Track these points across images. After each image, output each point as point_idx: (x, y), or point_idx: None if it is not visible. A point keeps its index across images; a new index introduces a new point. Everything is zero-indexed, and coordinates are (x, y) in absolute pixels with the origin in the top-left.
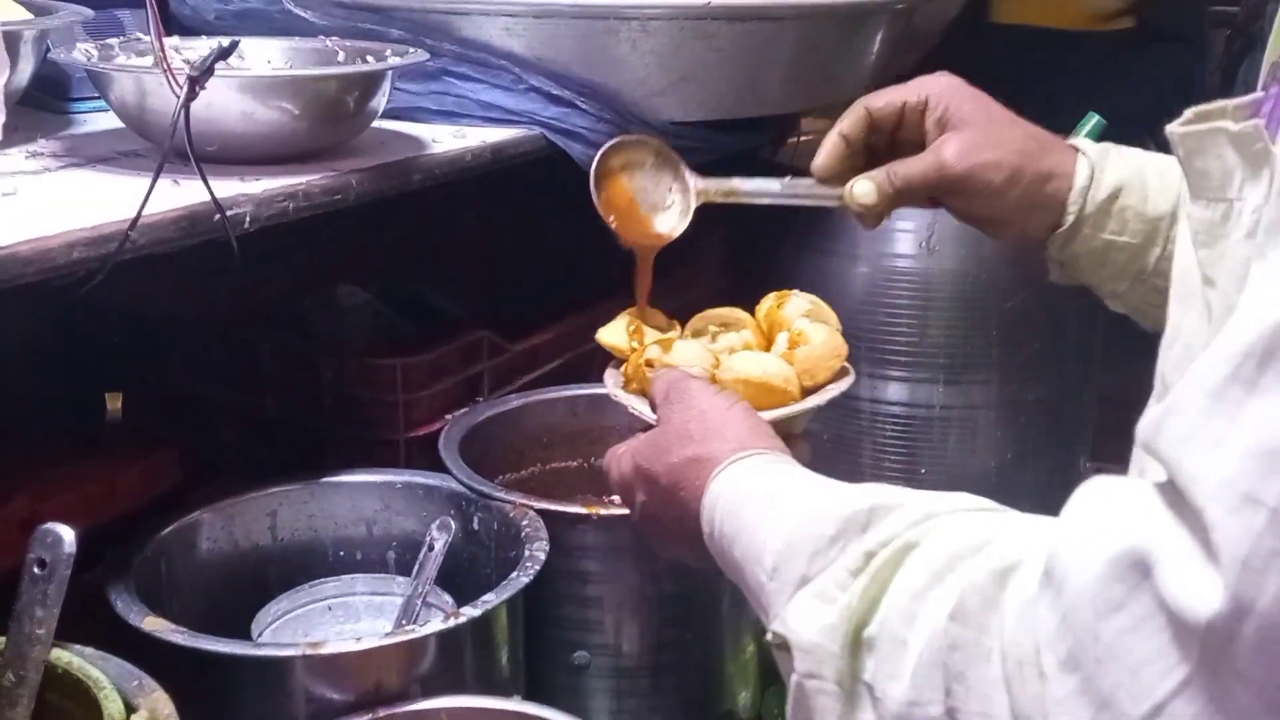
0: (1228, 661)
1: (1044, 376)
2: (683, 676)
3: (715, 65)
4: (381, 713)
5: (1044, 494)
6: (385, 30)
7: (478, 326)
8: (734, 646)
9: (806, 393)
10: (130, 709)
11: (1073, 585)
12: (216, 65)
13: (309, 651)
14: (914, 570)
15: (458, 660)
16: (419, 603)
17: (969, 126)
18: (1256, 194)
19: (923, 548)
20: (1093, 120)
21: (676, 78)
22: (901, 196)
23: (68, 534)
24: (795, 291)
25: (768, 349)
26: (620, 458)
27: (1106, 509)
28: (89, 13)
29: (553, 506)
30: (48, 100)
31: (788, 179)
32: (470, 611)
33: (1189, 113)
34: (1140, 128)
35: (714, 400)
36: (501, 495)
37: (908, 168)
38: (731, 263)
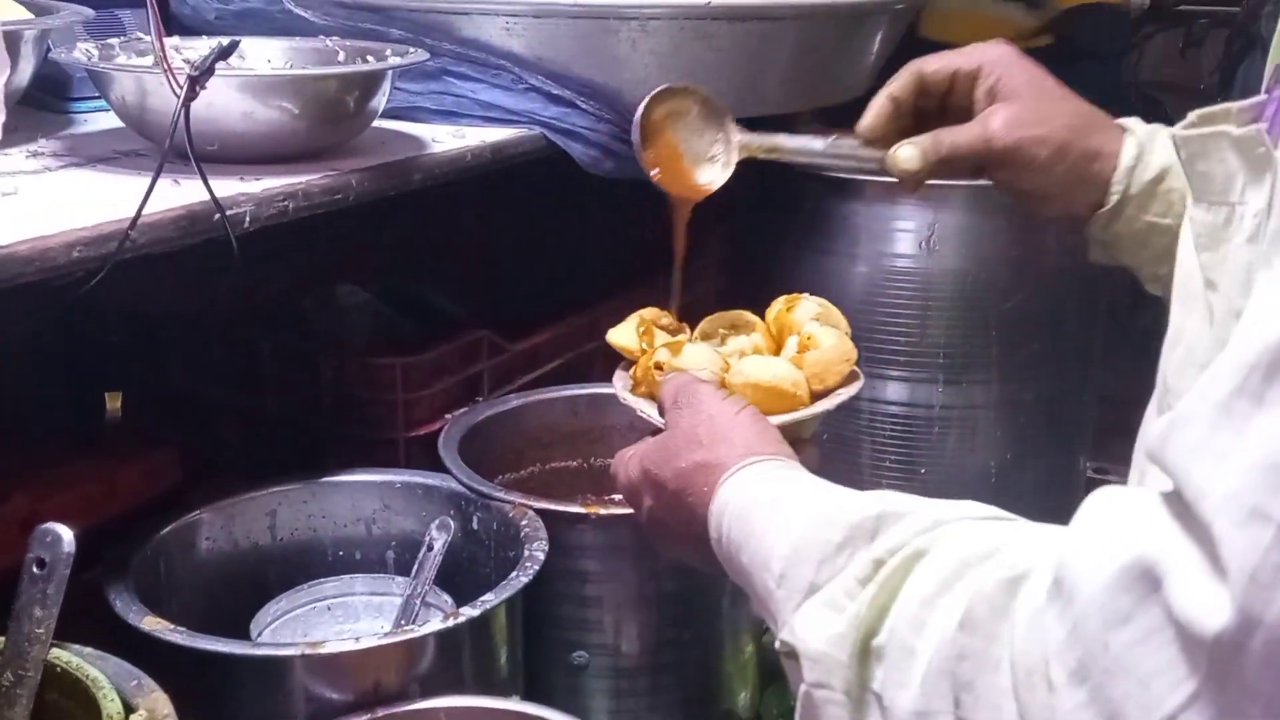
0: (1236, 675)
1: (1043, 376)
2: (681, 676)
3: (715, 65)
4: (380, 712)
5: (1043, 494)
6: (385, 30)
7: (478, 326)
8: (733, 646)
9: (816, 397)
10: (129, 708)
11: (1082, 596)
12: (217, 65)
13: (308, 651)
14: (923, 578)
15: (457, 660)
16: (418, 602)
17: (1019, 99)
18: (1258, 198)
19: (931, 556)
20: None
21: (676, 77)
22: (945, 164)
23: (67, 533)
24: (805, 295)
25: (777, 352)
26: (628, 462)
27: (1115, 519)
28: (89, 12)
29: (552, 506)
30: (48, 100)
31: (832, 138)
32: (469, 611)
33: (1193, 115)
34: None
35: (722, 405)
36: (501, 495)
37: (954, 136)
38: (731, 262)
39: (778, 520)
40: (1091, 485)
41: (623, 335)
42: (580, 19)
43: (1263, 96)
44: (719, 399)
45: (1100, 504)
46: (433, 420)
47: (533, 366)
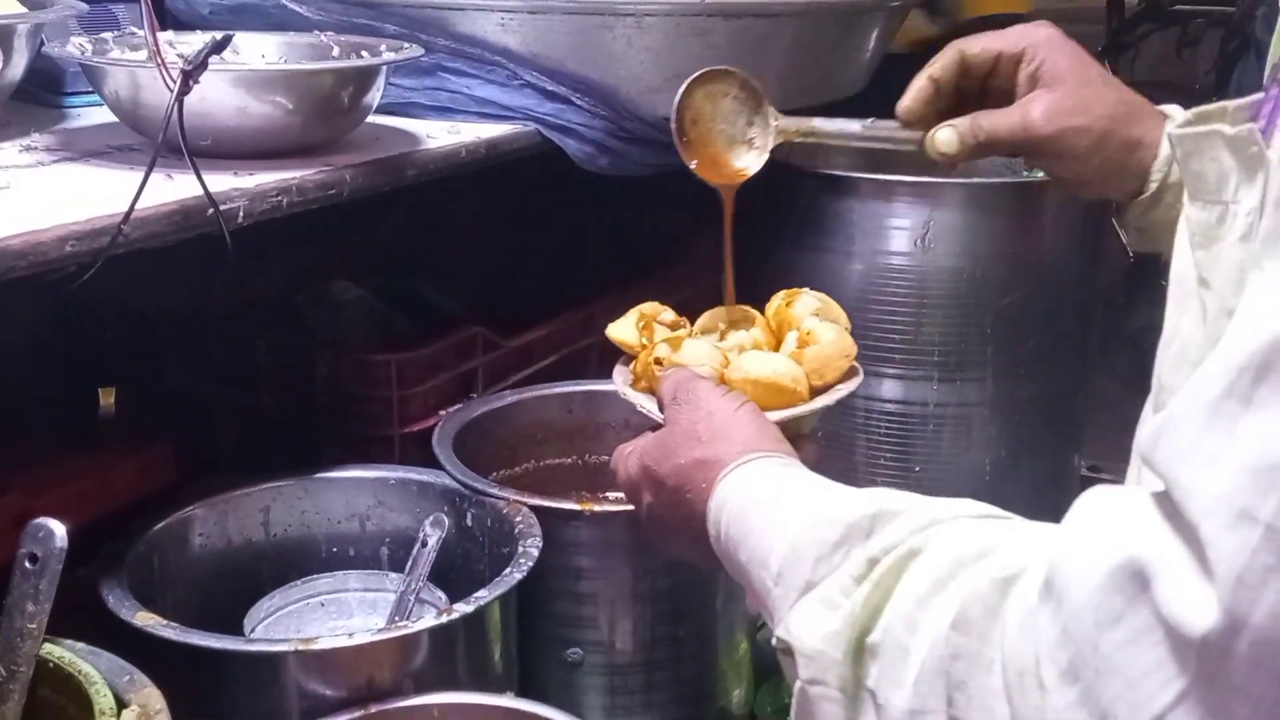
0: (1224, 675)
1: (1038, 374)
2: (676, 673)
3: (711, 62)
4: (374, 709)
5: (1038, 491)
6: (380, 25)
7: (472, 322)
8: (727, 643)
9: (815, 392)
10: (122, 704)
11: (1073, 596)
12: (210, 59)
13: (301, 647)
14: (917, 577)
15: (450, 656)
16: (412, 599)
17: (1061, 85)
18: (1251, 197)
19: (926, 555)
20: None
21: (672, 74)
22: (983, 149)
23: (59, 529)
24: (805, 290)
25: (777, 347)
26: (627, 458)
27: (1107, 520)
28: (83, 7)
29: (546, 503)
30: (41, 94)
31: (870, 120)
32: (463, 608)
33: (1189, 113)
34: None
35: (721, 402)
36: (495, 491)
37: (993, 121)
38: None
39: (775, 518)
40: (1086, 483)
41: (622, 330)
42: (576, 15)
43: (1259, 95)
44: (718, 395)
45: (1092, 504)
46: (427, 416)
47: (527, 363)
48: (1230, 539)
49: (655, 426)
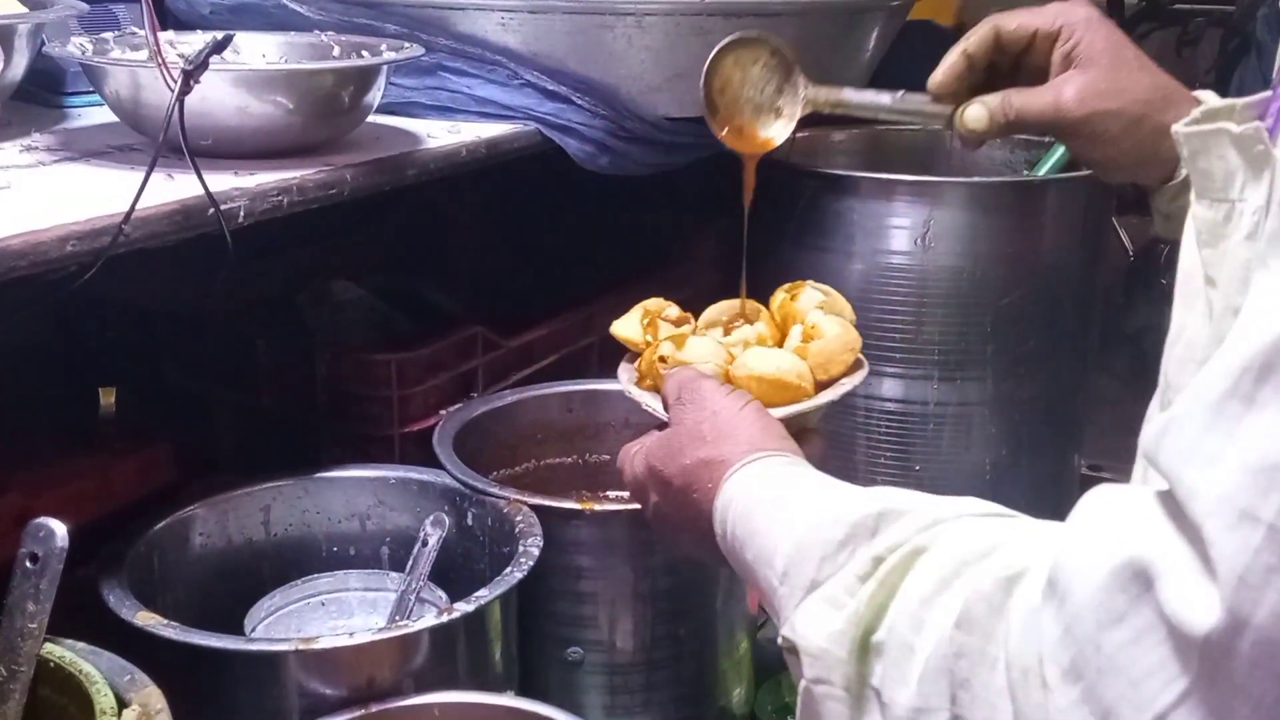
0: (1225, 675)
1: (1038, 374)
2: (676, 672)
3: None
4: (374, 708)
5: (1038, 491)
6: (380, 25)
7: (472, 322)
8: (727, 642)
9: (820, 387)
10: (122, 704)
11: (1076, 596)
12: (211, 59)
13: (302, 646)
14: (922, 576)
15: (451, 656)
16: (412, 598)
17: (1095, 67)
18: (1257, 195)
19: (930, 553)
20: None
21: (672, 73)
22: (1013, 127)
23: (60, 528)
24: (809, 283)
25: (781, 341)
26: (633, 457)
27: (1110, 519)
28: (84, 7)
29: (547, 502)
30: (42, 94)
31: (900, 93)
32: (464, 607)
33: (1196, 112)
34: None
35: (726, 401)
36: (495, 491)
37: (1025, 100)
38: (728, 258)
39: (781, 518)
40: (1086, 482)
41: (627, 327)
42: (576, 14)
43: (1266, 94)
44: (723, 394)
45: (1095, 503)
46: (427, 416)
47: (528, 362)
48: (1232, 539)
49: (660, 425)
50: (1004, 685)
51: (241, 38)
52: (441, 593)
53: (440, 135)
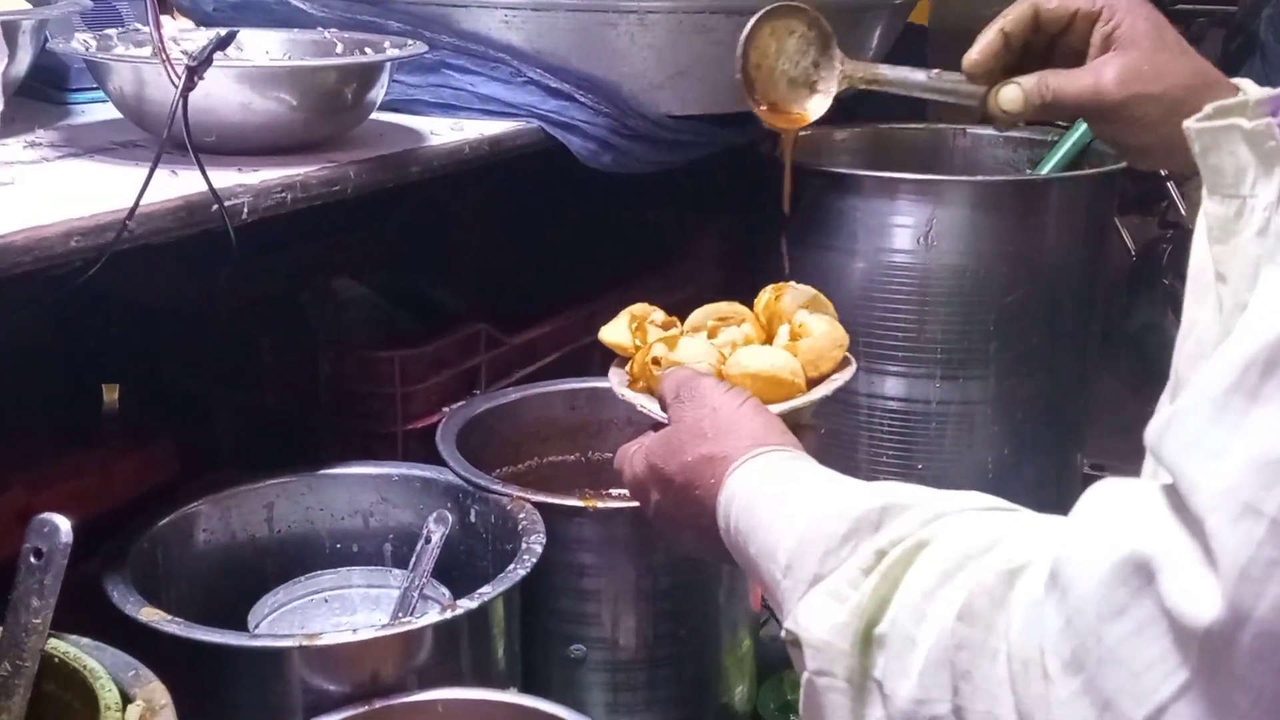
0: (1226, 668)
1: (1040, 372)
2: (678, 670)
3: (714, 59)
4: (378, 704)
5: (1040, 489)
6: (384, 22)
7: (475, 319)
8: (730, 640)
9: (811, 383)
10: (127, 699)
11: (1077, 588)
12: (215, 56)
13: (305, 643)
14: (924, 569)
15: (454, 652)
16: (415, 595)
17: (1135, 49)
18: (1268, 192)
19: (933, 547)
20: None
21: (675, 71)
22: (1048, 110)
23: (64, 524)
24: (792, 283)
25: (768, 342)
26: (632, 457)
27: (1113, 512)
28: (87, 3)
29: (549, 499)
30: (46, 91)
31: (935, 71)
32: (467, 604)
33: (1208, 108)
34: None
35: (725, 397)
36: (498, 488)
37: (1062, 82)
38: (730, 256)
39: (784, 512)
40: (1088, 481)
41: (615, 333)
42: (579, 12)
43: (1279, 90)
44: (721, 391)
45: (1098, 497)
46: (430, 413)
47: (530, 360)
48: (1235, 532)
49: (656, 425)
50: (1005, 677)
51: (245, 35)
52: (444, 590)
53: (443, 132)
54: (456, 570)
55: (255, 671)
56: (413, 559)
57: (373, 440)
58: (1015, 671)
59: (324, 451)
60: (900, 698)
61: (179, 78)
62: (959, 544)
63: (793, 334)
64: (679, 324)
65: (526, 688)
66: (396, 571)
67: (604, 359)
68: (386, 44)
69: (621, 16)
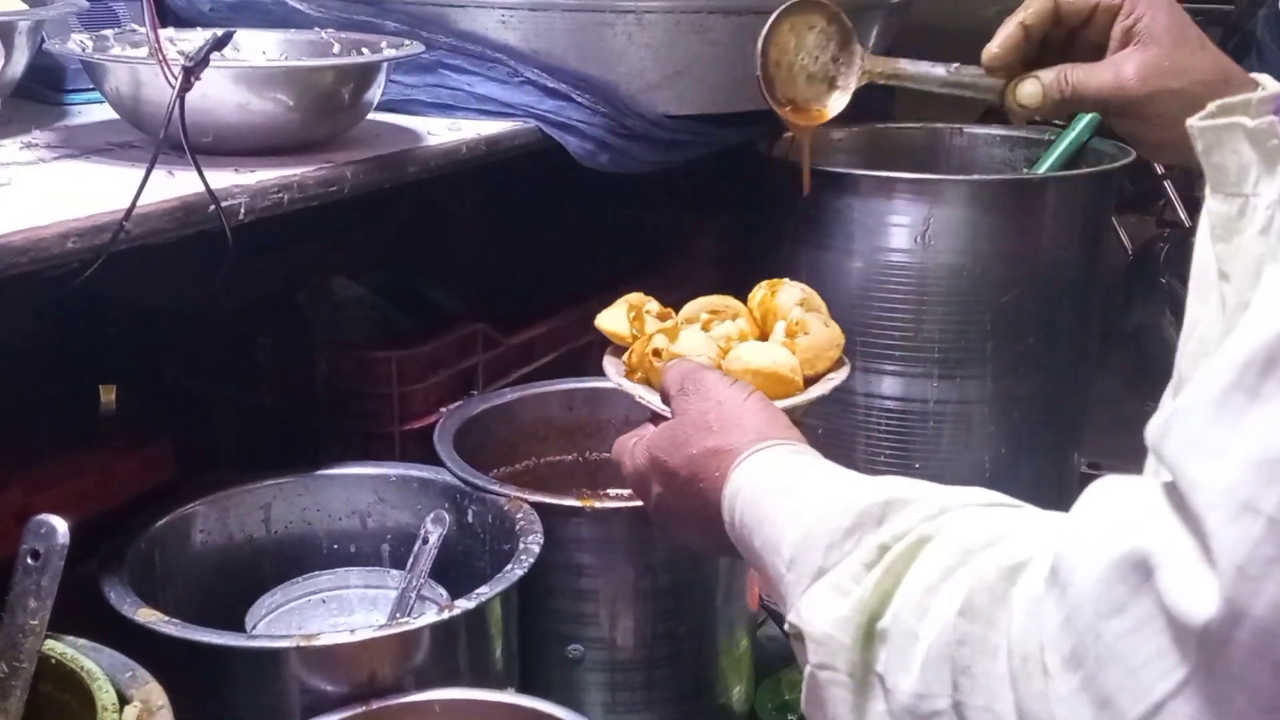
0: (1223, 665)
1: (1038, 371)
2: (676, 670)
3: (711, 59)
4: (375, 704)
5: (1037, 488)
6: (381, 23)
7: (473, 319)
8: (728, 640)
9: (807, 382)
10: (124, 700)
11: (1077, 585)
12: (211, 56)
13: (303, 643)
14: (927, 565)
15: (452, 653)
16: (413, 595)
17: (1157, 45)
18: (1271, 190)
19: (936, 542)
20: (1088, 116)
21: (672, 71)
22: (1067, 104)
23: (61, 525)
24: (786, 280)
25: (761, 337)
26: (633, 449)
27: (1113, 509)
28: (84, 4)
29: (547, 499)
30: (42, 91)
31: (954, 66)
32: (464, 604)
33: (1212, 106)
34: None
35: (730, 391)
36: (496, 488)
37: (1081, 76)
38: (727, 256)
39: (788, 506)
40: (1085, 480)
41: (613, 321)
42: (576, 12)
43: None
44: (726, 385)
45: (1098, 494)
46: (428, 413)
47: (528, 360)
48: (1233, 530)
49: (655, 417)
50: (1005, 673)
51: (242, 35)
52: (442, 590)
53: (440, 132)
54: (454, 570)
55: (253, 672)
56: (410, 559)
57: (370, 440)
58: (1015, 667)
59: (321, 452)
60: (901, 692)
61: (176, 78)
62: (961, 539)
63: (789, 331)
64: (673, 315)
65: (524, 688)
66: (394, 572)
67: (601, 359)
68: (383, 44)
69: (619, 16)
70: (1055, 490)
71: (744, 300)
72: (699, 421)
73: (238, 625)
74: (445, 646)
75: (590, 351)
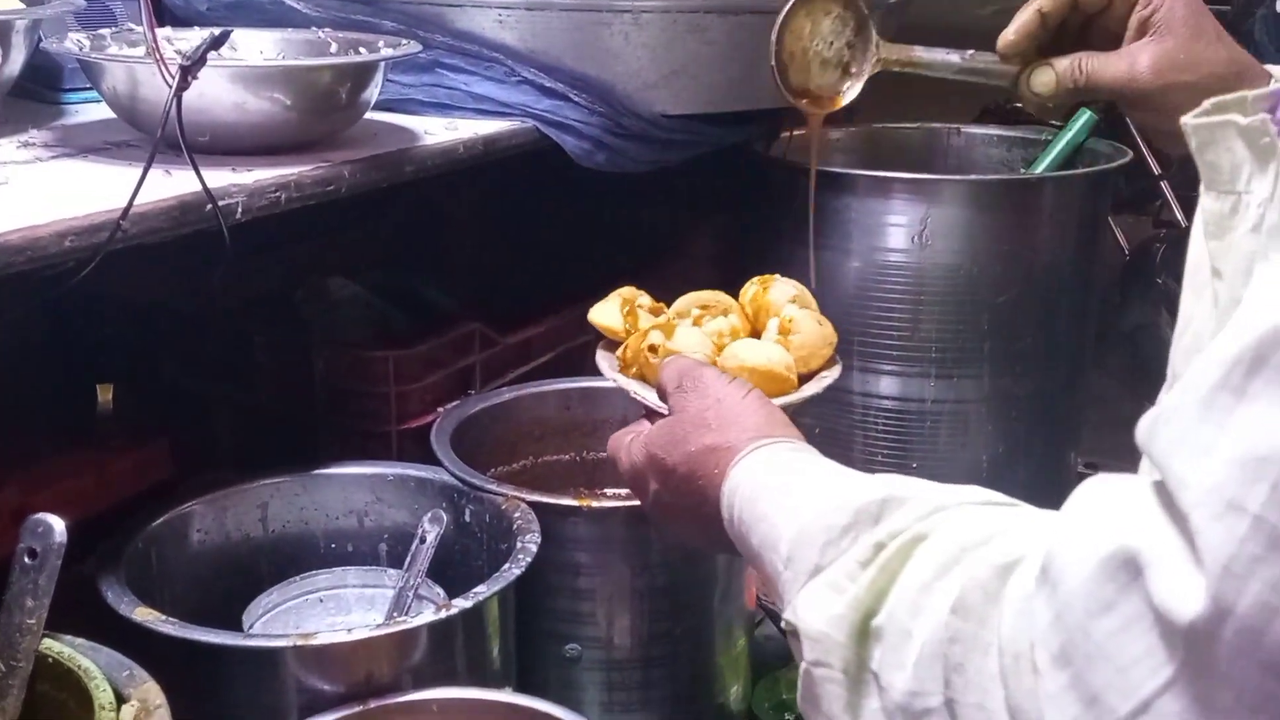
0: (1209, 663)
1: (1035, 371)
2: (673, 669)
3: (708, 58)
4: (373, 704)
5: (1034, 488)
6: (378, 22)
7: (470, 319)
8: (725, 640)
9: (800, 380)
10: (121, 699)
11: (1066, 583)
12: (208, 55)
13: (300, 642)
14: (921, 563)
15: (449, 652)
16: (410, 595)
17: (1173, 36)
18: (1263, 188)
19: (931, 540)
20: (1084, 116)
21: (669, 71)
22: (1081, 93)
23: (58, 524)
24: (778, 277)
25: (753, 334)
26: (630, 446)
27: (1103, 508)
28: (81, 3)
29: (544, 499)
30: (39, 90)
31: (970, 53)
32: (461, 603)
33: (1207, 103)
34: None
35: (729, 388)
36: (493, 488)
37: (1096, 66)
38: (724, 255)
39: (787, 504)
40: (1082, 480)
41: (606, 315)
42: (573, 12)
43: (1277, 87)
44: (724, 382)
45: (1089, 493)
46: (425, 413)
47: (525, 359)
48: (1219, 529)
49: (650, 413)
50: (996, 670)
51: (239, 34)
52: (439, 589)
53: (437, 132)
54: (451, 570)
55: (250, 671)
56: (408, 559)
57: (367, 439)
58: (1006, 665)
59: (319, 451)
60: (895, 690)
61: (173, 78)
62: (956, 538)
63: (782, 328)
64: (666, 310)
65: (521, 687)
66: (391, 571)
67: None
68: (380, 43)
69: (616, 16)
70: (1052, 489)
71: (735, 296)
72: (698, 419)
73: (235, 624)
74: (442, 646)
75: (587, 351)
